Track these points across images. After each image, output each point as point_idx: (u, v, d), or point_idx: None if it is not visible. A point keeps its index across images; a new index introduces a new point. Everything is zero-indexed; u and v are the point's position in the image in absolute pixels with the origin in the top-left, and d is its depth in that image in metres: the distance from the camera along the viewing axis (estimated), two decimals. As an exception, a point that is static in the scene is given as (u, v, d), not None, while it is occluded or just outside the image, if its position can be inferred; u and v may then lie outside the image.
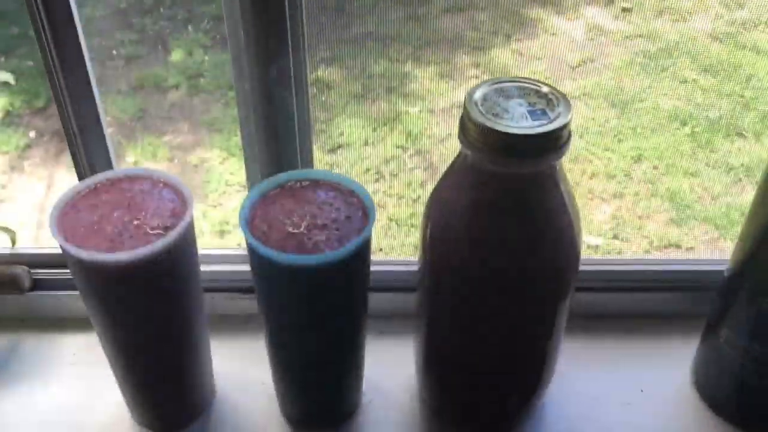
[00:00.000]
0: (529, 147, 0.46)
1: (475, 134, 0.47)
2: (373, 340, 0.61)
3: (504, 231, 0.49)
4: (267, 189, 0.54)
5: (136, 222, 0.51)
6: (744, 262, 0.58)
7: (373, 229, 0.51)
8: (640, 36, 1.97)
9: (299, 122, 0.58)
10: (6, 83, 1.91)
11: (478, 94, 0.48)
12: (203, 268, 0.57)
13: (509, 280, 0.51)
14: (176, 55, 1.97)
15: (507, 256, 0.50)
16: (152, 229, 0.51)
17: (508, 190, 0.49)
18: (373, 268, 0.55)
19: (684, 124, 1.83)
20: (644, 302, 0.68)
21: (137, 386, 0.58)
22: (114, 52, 1.92)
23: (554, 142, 0.47)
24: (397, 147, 1.76)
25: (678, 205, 1.67)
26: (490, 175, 0.48)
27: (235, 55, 0.59)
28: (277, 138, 0.59)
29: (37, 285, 0.68)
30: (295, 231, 0.51)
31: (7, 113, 1.91)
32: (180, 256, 0.51)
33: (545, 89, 0.49)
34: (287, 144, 0.59)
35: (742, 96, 1.90)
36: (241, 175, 1.71)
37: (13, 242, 0.67)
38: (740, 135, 1.81)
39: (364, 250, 0.51)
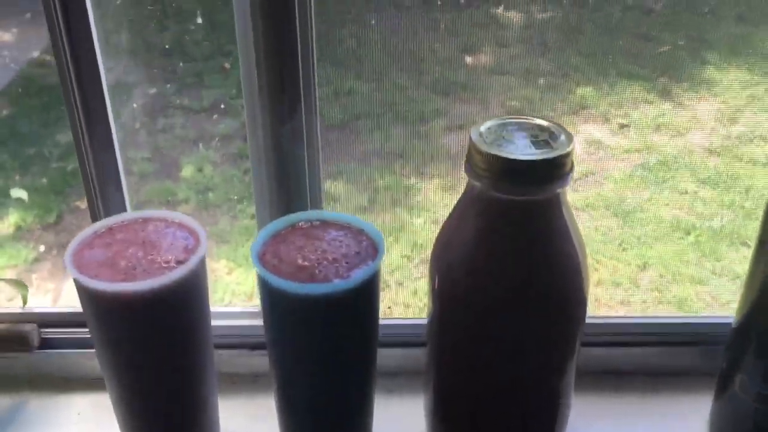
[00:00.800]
0: (533, 173, 0.48)
1: (481, 163, 0.48)
2: (382, 399, 0.60)
3: (509, 257, 0.50)
4: (278, 228, 0.55)
5: (149, 257, 0.52)
6: (750, 312, 0.58)
7: (382, 264, 0.52)
8: (638, 150, 2.02)
9: (309, 169, 0.60)
10: (20, 200, 1.96)
11: (483, 128, 0.50)
12: (213, 322, 0.57)
13: (517, 306, 0.51)
14: (186, 171, 2.03)
15: (513, 283, 0.50)
16: (165, 263, 0.51)
17: (513, 218, 0.50)
18: (381, 323, 0.56)
19: (687, 233, 1.85)
20: (655, 358, 0.68)
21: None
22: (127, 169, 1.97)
23: (558, 169, 0.48)
24: (403, 257, 1.77)
25: (687, 312, 1.66)
26: (495, 203, 0.49)
27: (250, 114, 0.61)
28: (289, 184, 0.60)
29: (46, 344, 0.67)
30: (306, 264, 0.52)
31: (19, 228, 1.94)
32: (192, 290, 0.52)
33: (547, 124, 0.51)
34: (298, 189, 0.61)
35: (743, 207, 1.93)
36: (248, 285, 1.73)
37: (25, 301, 0.67)
38: (744, 244, 1.83)
39: (373, 281, 0.52)
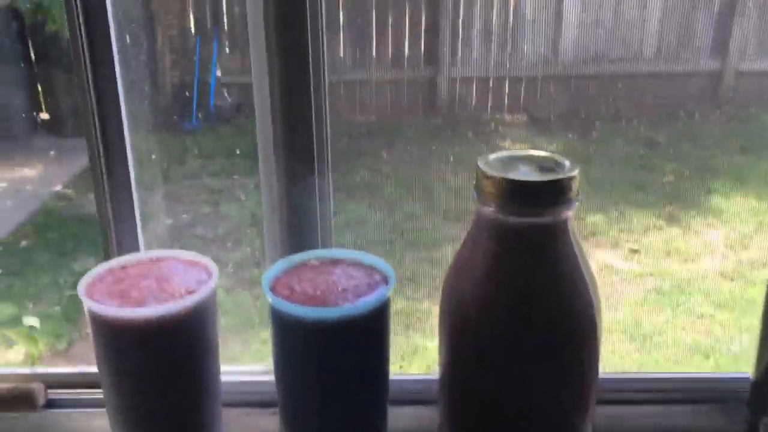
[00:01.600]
0: (540, 195, 0.48)
1: (490, 188, 0.49)
2: None
3: (519, 280, 0.50)
4: (289, 265, 0.55)
5: (161, 288, 0.52)
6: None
7: (391, 293, 0.52)
8: (651, 274, 2.02)
9: (321, 218, 0.62)
10: (32, 327, 1.96)
11: (490, 158, 0.52)
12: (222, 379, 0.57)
13: (526, 328, 0.50)
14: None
15: (523, 307, 0.50)
16: (177, 293, 0.52)
17: (522, 242, 0.50)
18: (392, 380, 0.55)
19: (707, 357, 1.82)
20: (675, 417, 0.66)
21: None
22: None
23: (564, 192, 0.49)
24: (417, 381, 1.75)
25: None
26: (504, 228, 0.50)
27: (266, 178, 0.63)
28: (301, 233, 0.61)
29: (52, 404, 0.66)
30: (317, 294, 0.52)
31: (29, 354, 1.93)
32: (202, 320, 0.52)
33: (551, 155, 0.52)
34: (309, 237, 0.62)
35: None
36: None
37: (33, 360, 0.67)
38: (765, 368, 1.79)
39: (383, 310, 0.51)
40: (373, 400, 0.54)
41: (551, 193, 0.48)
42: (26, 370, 0.67)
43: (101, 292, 0.52)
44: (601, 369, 0.54)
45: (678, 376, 0.67)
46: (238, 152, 2.42)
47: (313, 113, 0.61)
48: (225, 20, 2.47)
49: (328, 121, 0.63)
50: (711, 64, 2.42)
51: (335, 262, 0.56)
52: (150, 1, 2.29)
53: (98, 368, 0.53)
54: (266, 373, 0.68)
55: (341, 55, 2.40)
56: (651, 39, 2.41)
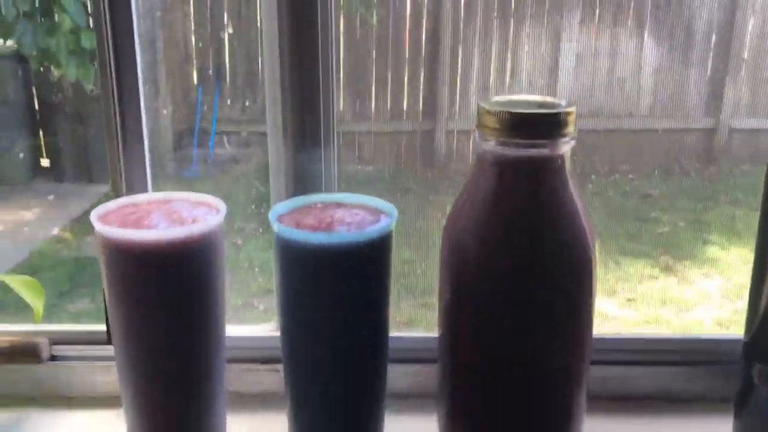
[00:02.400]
0: (540, 125, 0.50)
1: (492, 123, 0.51)
2: (393, 418, 0.59)
3: (517, 213, 0.51)
4: (294, 205, 0.56)
5: (171, 219, 0.54)
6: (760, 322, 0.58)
7: (393, 227, 0.53)
8: (647, 322, 2.02)
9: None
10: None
11: (492, 99, 0.54)
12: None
13: (527, 265, 0.51)
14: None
15: (522, 240, 0.51)
16: (187, 222, 0.53)
17: (522, 175, 0.51)
18: (392, 336, 0.57)
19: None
20: (671, 377, 0.67)
21: (143, 414, 0.55)
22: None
23: (561, 125, 0.50)
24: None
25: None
26: (505, 162, 0.51)
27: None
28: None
29: (56, 359, 0.68)
30: (321, 226, 0.53)
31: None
32: (208, 250, 0.53)
33: (549, 98, 0.55)
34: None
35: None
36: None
37: (38, 316, 0.67)
38: None
39: (387, 238, 0.53)
40: (375, 335, 0.55)
41: (550, 125, 0.50)
42: (30, 326, 0.68)
43: (113, 221, 0.53)
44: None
45: (674, 337, 0.68)
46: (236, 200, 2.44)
47: (323, 165, 0.65)
48: (227, 71, 2.52)
49: (336, 171, 0.66)
50: (705, 120, 2.47)
51: (339, 204, 0.57)
52: (156, 50, 2.34)
53: (108, 299, 0.54)
54: (266, 331, 0.69)
55: (341, 108, 2.45)
56: (646, 96, 2.47)
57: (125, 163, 0.64)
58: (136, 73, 0.63)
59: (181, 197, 0.57)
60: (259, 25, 2.29)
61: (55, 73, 2.43)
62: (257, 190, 2.30)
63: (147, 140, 0.66)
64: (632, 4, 2.38)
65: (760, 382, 0.57)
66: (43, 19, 2.32)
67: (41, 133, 2.58)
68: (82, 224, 2.40)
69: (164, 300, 0.52)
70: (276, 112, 0.64)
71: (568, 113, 0.50)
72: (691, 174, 2.51)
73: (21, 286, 0.63)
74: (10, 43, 2.40)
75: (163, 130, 2.49)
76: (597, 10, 2.38)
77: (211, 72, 2.54)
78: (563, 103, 0.52)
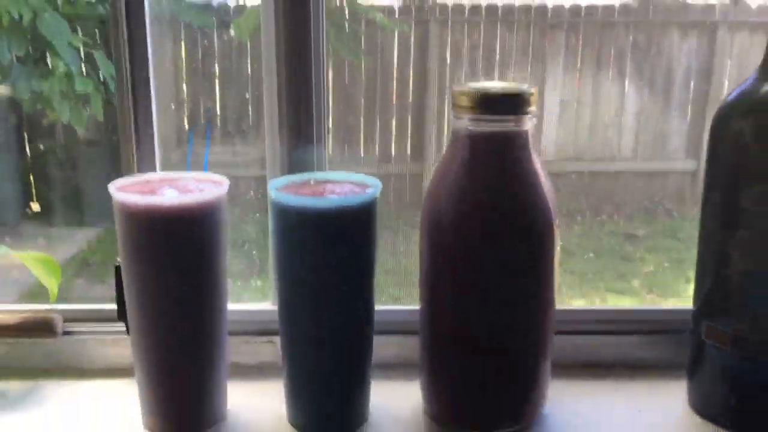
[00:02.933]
0: (507, 101, 0.57)
1: (465, 101, 0.57)
2: (380, 382, 0.64)
3: (486, 179, 0.57)
4: (288, 182, 0.60)
5: (181, 190, 0.59)
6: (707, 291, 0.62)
7: (378, 196, 0.57)
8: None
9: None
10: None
11: (465, 84, 0.59)
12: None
13: (494, 226, 0.57)
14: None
15: (492, 202, 0.57)
16: (195, 191, 0.58)
17: (490, 147, 0.58)
18: (378, 309, 0.61)
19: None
20: (627, 347, 0.72)
21: (155, 376, 0.60)
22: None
23: (524, 104, 0.57)
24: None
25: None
26: (476, 138, 0.57)
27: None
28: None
29: (68, 334, 0.71)
30: (316, 194, 0.57)
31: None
32: (212, 217, 0.58)
33: (515, 84, 0.61)
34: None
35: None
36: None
37: (53, 296, 0.69)
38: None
39: (373, 204, 0.57)
40: (363, 296, 0.59)
41: (514, 103, 0.57)
42: (45, 305, 0.71)
43: (128, 191, 0.58)
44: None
45: (630, 308, 0.78)
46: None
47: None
48: (218, 115, 2.57)
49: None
50: (686, 163, 2.52)
51: (330, 181, 0.61)
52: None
53: (123, 266, 0.58)
54: (263, 306, 0.73)
55: (329, 152, 2.49)
56: (628, 139, 2.53)
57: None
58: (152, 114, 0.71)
59: (189, 176, 0.62)
60: (249, 72, 2.36)
61: (49, 116, 2.47)
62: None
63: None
64: (612, 51, 2.46)
65: (707, 338, 0.62)
66: (37, 64, 2.36)
67: (31, 177, 2.60)
68: (70, 268, 2.40)
69: (175, 263, 0.57)
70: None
71: (530, 93, 0.57)
72: (675, 216, 2.55)
73: (36, 263, 0.65)
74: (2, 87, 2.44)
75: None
76: (579, 57, 2.46)
77: (201, 117, 2.59)
78: (526, 86, 0.58)
